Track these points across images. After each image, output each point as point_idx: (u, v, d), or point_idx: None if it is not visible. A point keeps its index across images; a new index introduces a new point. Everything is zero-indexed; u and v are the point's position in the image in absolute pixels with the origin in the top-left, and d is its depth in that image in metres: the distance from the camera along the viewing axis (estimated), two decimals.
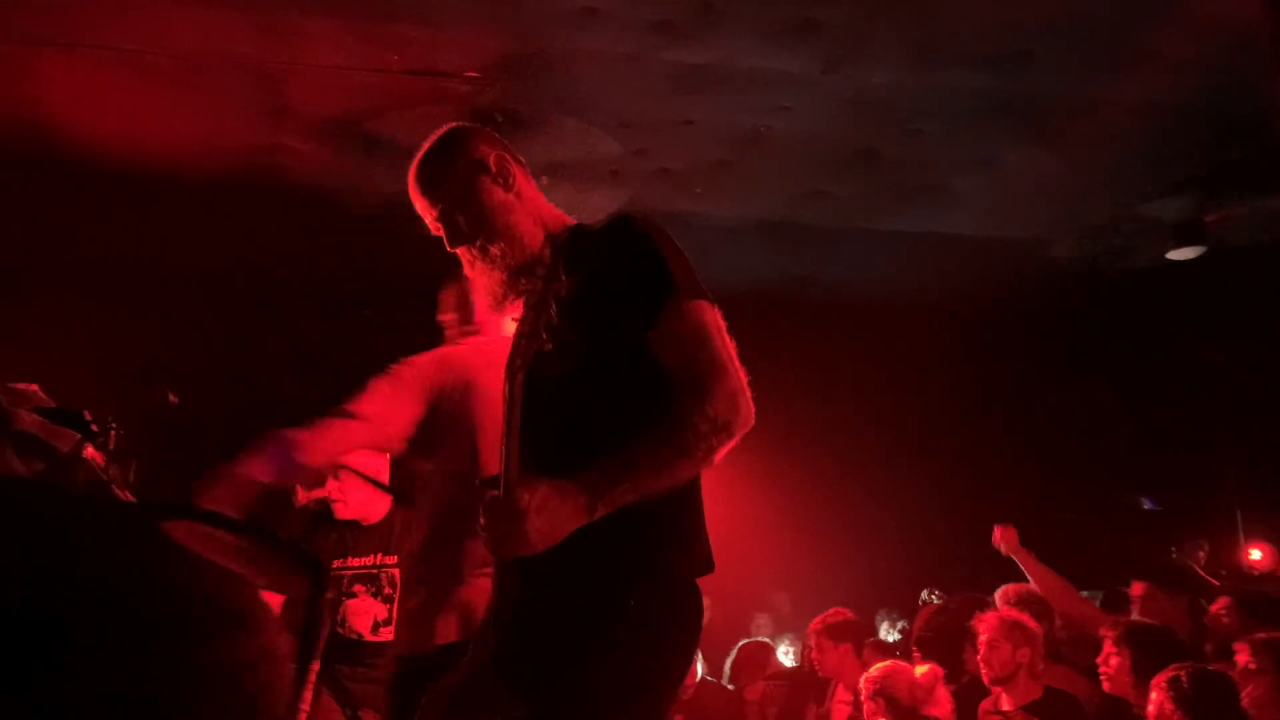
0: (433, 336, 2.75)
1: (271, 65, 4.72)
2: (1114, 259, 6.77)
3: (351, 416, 2.42)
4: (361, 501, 3.89)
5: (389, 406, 2.50)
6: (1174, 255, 6.36)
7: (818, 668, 5.32)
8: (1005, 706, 4.23)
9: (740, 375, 1.85)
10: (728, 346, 1.88)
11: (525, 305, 2.07)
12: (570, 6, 4.28)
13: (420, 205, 2.12)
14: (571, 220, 2.13)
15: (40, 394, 2.40)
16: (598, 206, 5.83)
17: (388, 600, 3.87)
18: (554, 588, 1.81)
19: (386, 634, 3.74)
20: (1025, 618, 4.28)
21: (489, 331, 2.80)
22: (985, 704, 4.32)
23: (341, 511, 3.90)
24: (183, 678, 0.53)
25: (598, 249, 1.96)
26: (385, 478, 3.77)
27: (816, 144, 5.41)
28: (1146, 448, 7.01)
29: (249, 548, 1.82)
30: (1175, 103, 5.06)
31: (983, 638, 4.21)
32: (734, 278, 6.95)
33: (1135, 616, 4.56)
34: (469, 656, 1.96)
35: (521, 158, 2.18)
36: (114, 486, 2.29)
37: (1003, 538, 4.99)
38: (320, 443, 2.37)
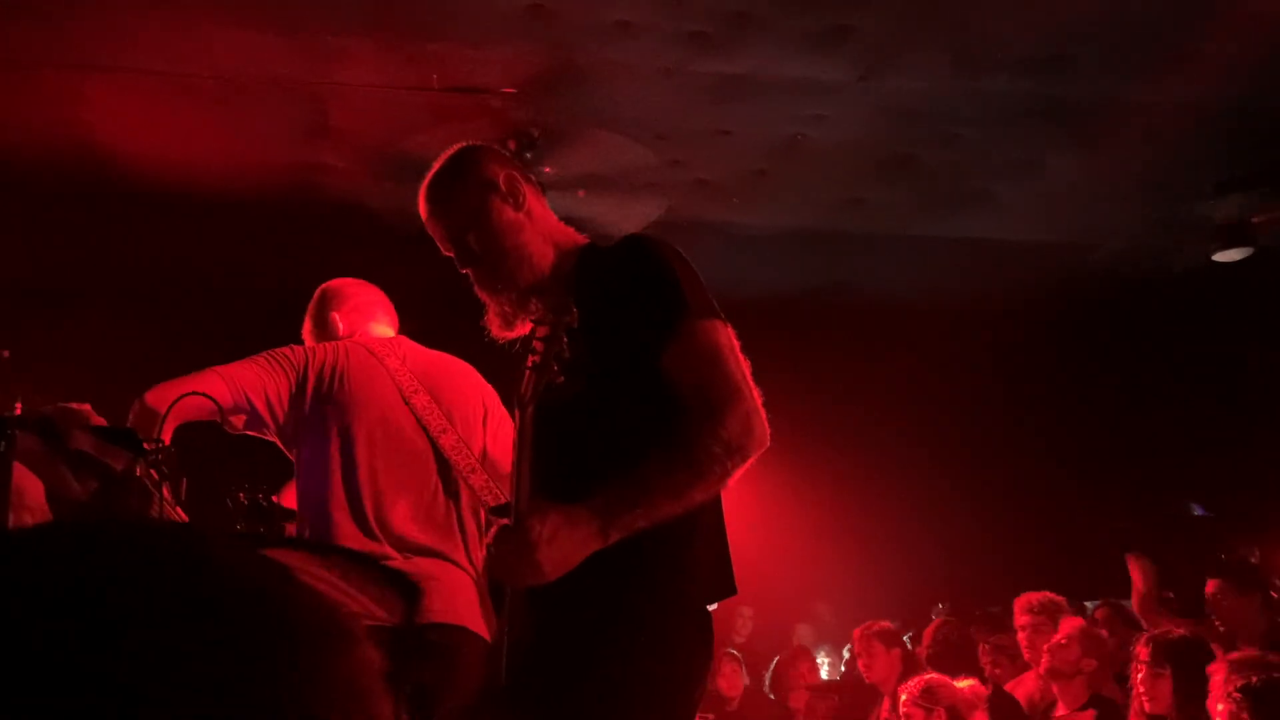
0: (470, 348, 2.76)
1: (312, 85, 4.79)
2: (1158, 262, 6.68)
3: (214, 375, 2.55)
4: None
5: (252, 373, 2.61)
6: (1220, 257, 6.26)
7: (865, 673, 5.30)
8: (1059, 711, 4.28)
9: (754, 395, 1.81)
10: (741, 366, 1.84)
11: (533, 332, 2.04)
12: (605, 20, 4.31)
13: (431, 225, 2.10)
14: (583, 239, 2.11)
15: (92, 413, 2.44)
16: (636, 219, 5.84)
17: None
18: (564, 615, 1.79)
19: None
20: (1106, 634, 4.44)
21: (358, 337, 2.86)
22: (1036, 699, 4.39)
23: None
24: (312, 688, 0.55)
25: (608, 271, 1.93)
26: None
27: (854, 151, 5.39)
28: (1194, 452, 6.90)
29: (345, 570, 1.88)
30: (1219, 102, 4.99)
31: (1061, 633, 4.35)
32: (772, 286, 7.01)
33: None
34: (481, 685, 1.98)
35: (533, 176, 2.16)
36: (167, 504, 2.33)
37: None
38: (167, 393, 2.50)
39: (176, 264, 6.23)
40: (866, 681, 5.34)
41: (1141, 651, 3.80)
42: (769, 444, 1.80)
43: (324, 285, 3.06)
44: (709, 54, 4.53)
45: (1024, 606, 4.76)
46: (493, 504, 2.47)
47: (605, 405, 1.85)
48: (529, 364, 1.84)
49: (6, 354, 2.58)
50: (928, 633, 5.21)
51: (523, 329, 2.03)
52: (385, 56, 4.55)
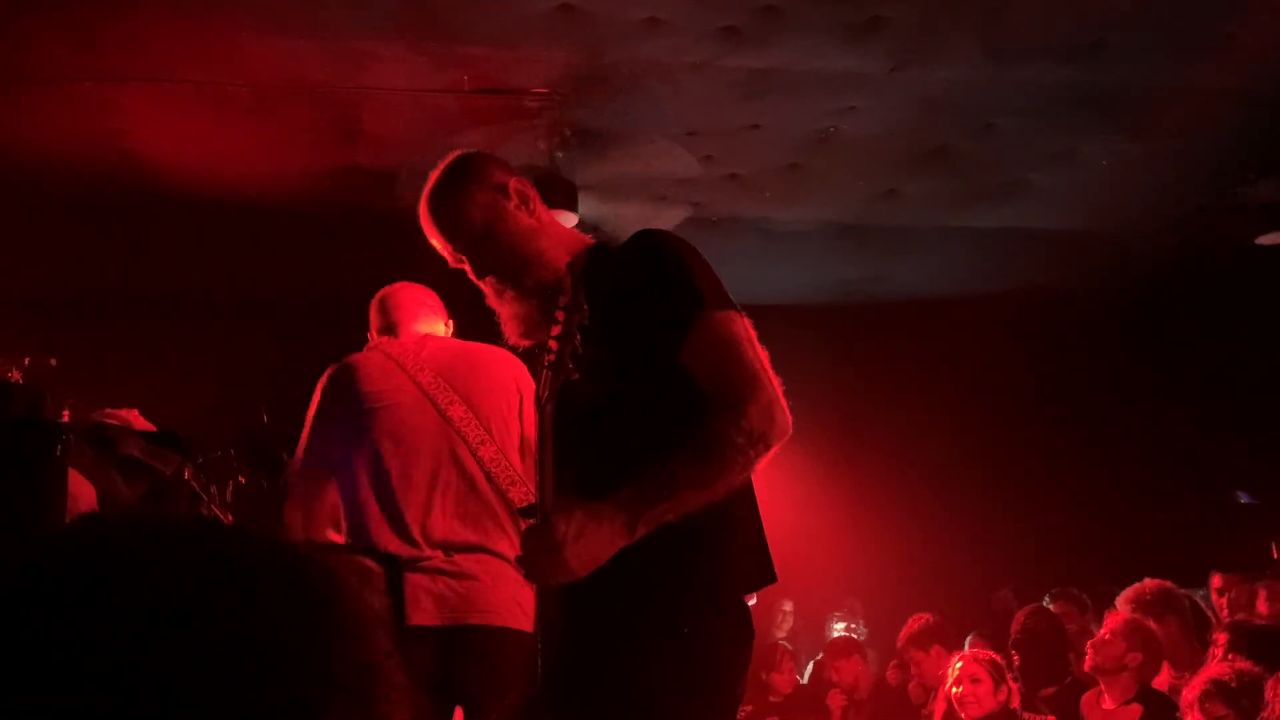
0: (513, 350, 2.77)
1: (344, 90, 4.82)
2: (1200, 248, 6.58)
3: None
4: None
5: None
6: (1264, 240, 6.16)
7: (918, 680, 5.25)
8: (1106, 705, 4.23)
9: (774, 385, 1.81)
10: (760, 356, 1.84)
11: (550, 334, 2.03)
12: (635, 17, 4.30)
13: (439, 237, 2.04)
14: (590, 240, 2.09)
15: (139, 417, 2.48)
16: (669, 215, 5.84)
17: None
18: (597, 612, 1.78)
19: None
20: (1156, 627, 4.29)
21: (404, 335, 2.90)
22: (1087, 696, 4.31)
23: None
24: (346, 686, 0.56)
25: (621, 268, 1.92)
26: None
27: (887, 143, 5.35)
28: (1241, 440, 6.79)
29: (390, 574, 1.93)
30: (1258, 85, 4.91)
31: (1105, 628, 4.26)
32: (806, 280, 6.99)
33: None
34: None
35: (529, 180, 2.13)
36: (213, 506, 2.35)
37: None
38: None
39: (214, 270, 6.30)
40: (922, 683, 5.26)
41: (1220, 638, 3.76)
42: (790, 432, 1.80)
43: (379, 292, 3.11)
44: (739, 48, 4.51)
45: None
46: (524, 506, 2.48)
47: (625, 401, 1.84)
48: (545, 363, 1.83)
49: (54, 362, 2.62)
50: (1016, 620, 5.11)
51: (543, 334, 2.00)
52: (416, 60, 4.57)
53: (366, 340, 2.99)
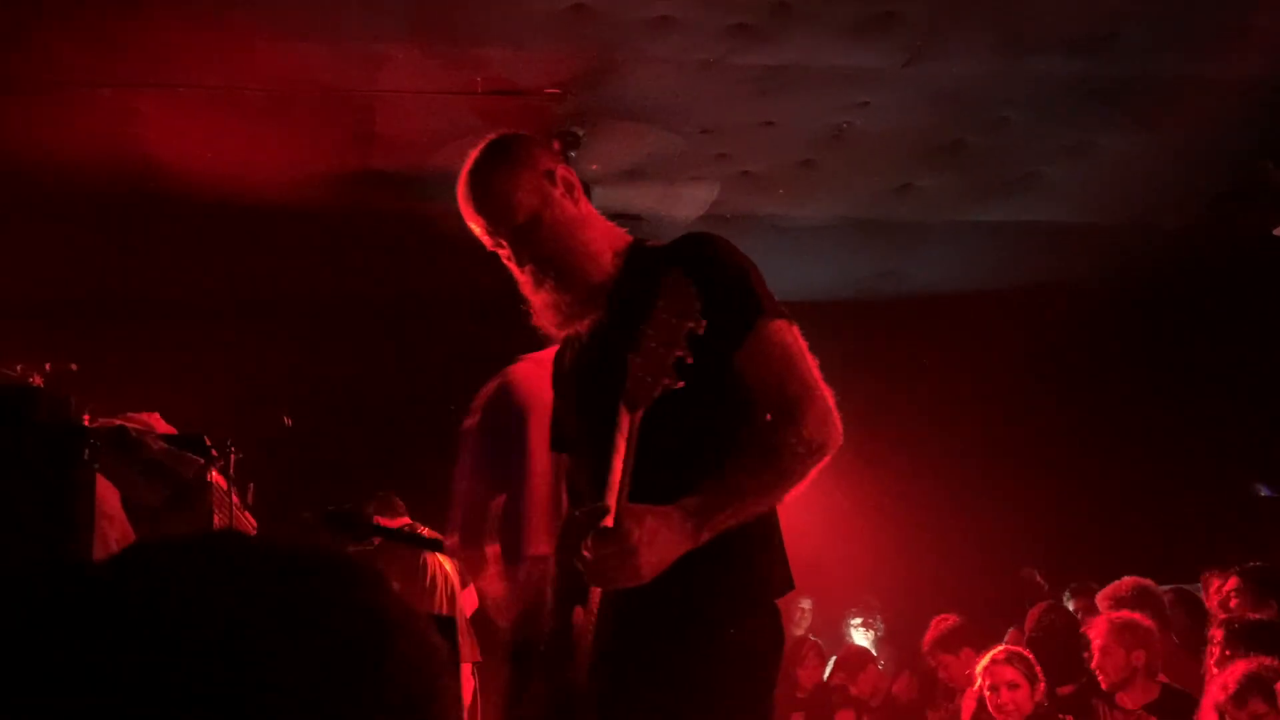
0: (513, 349, 2.77)
1: (358, 93, 4.84)
2: (1217, 239, 6.53)
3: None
4: None
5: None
6: None
7: (947, 683, 5.22)
8: (1127, 705, 4.15)
9: (827, 395, 1.86)
10: (813, 367, 1.88)
11: (587, 330, 1.98)
12: (646, 16, 4.30)
13: (479, 222, 1.95)
14: (629, 236, 2.05)
15: (161, 421, 2.50)
16: (683, 214, 5.84)
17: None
18: (651, 616, 1.79)
19: None
20: (1138, 617, 4.16)
21: None
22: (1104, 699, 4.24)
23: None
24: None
25: (675, 271, 1.84)
26: None
27: (900, 138, 5.34)
28: (1262, 432, 6.75)
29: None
30: (1273, 74, 4.87)
31: (1096, 643, 4.10)
32: (821, 277, 6.97)
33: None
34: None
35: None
36: (236, 509, 2.37)
37: None
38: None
39: (232, 274, 6.34)
40: (947, 684, 5.23)
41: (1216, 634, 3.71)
42: (842, 441, 1.86)
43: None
44: (751, 46, 4.51)
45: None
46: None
47: (685, 406, 1.80)
48: (635, 366, 1.74)
49: (75, 367, 2.65)
50: (1030, 617, 5.06)
51: (580, 326, 1.98)
52: (428, 62, 4.59)
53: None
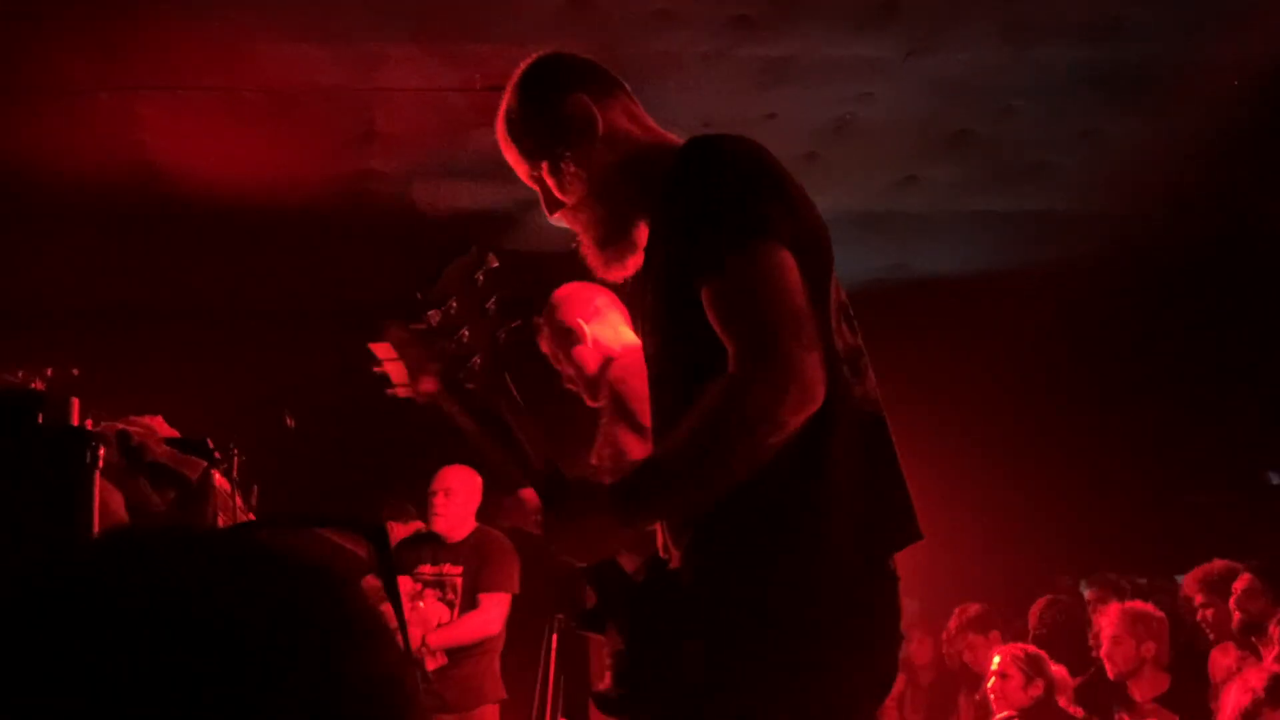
0: (529, 348, 2.75)
1: (358, 92, 4.83)
2: (1227, 226, 6.50)
3: None
4: (450, 522, 4.59)
5: None
6: None
7: (971, 665, 5.20)
8: (1135, 698, 4.13)
9: (796, 343, 1.49)
10: (783, 304, 1.51)
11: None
12: (645, 10, 4.29)
13: (512, 158, 1.83)
14: (677, 141, 1.77)
15: (164, 424, 2.49)
16: None
17: (450, 605, 4.52)
18: (684, 607, 1.60)
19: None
20: (1149, 608, 4.15)
21: None
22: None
23: (438, 525, 4.62)
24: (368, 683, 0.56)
25: (667, 198, 1.66)
26: (478, 496, 4.63)
27: (905, 129, 5.31)
28: (1271, 421, 6.72)
29: None
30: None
31: (1106, 632, 4.09)
32: None
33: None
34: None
35: (609, 77, 1.86)
36: (241, 512, 2.36)
37: None
38: None
39: (234, 276, 6.33)
40: (973, 669, 5.21)
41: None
42: (817, 400, 1.50)
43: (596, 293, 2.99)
44: (752, 38, 4.49)
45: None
46: None
47: (671, 360, 1.65)
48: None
49: (76, 372, 2.63)
50: (1032, 613, 5.04)
51: (633, 267, 1.79)
52: (427, 59, 4.58)
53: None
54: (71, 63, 4.46)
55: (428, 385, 1.71)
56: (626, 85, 1.87)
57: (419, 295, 1.68)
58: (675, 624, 1.60)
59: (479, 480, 4.61)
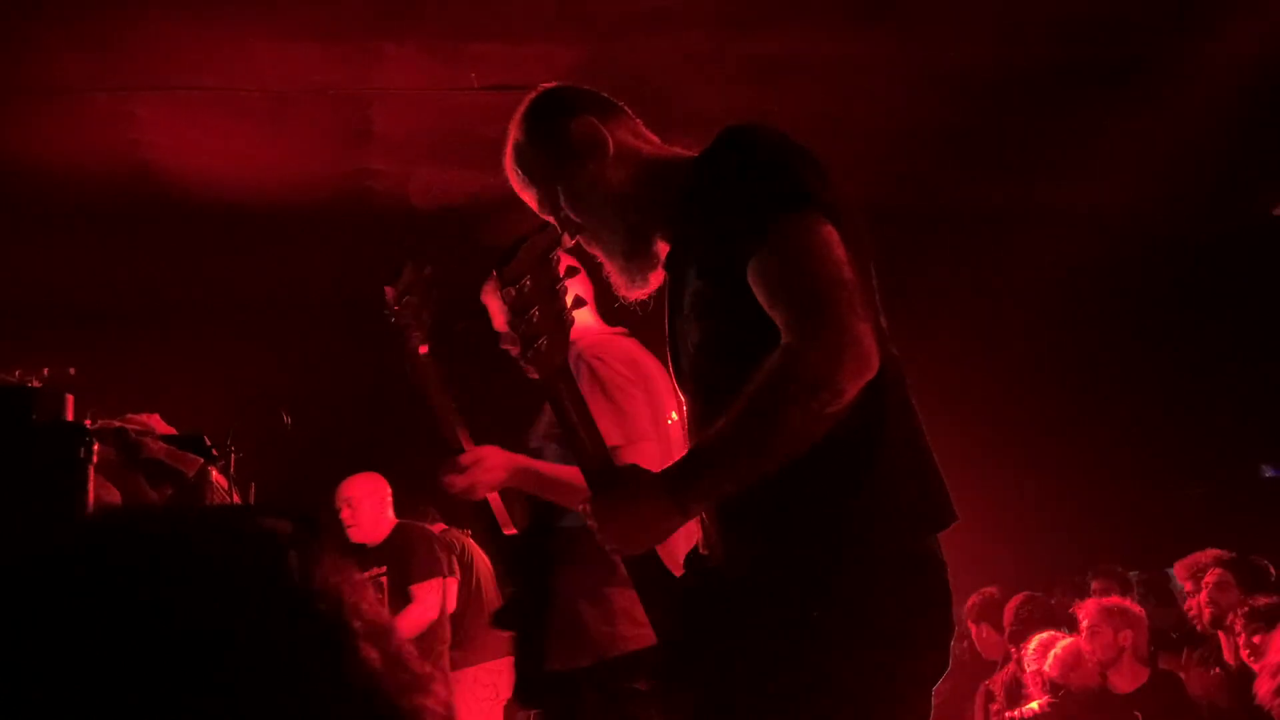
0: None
1: (355, 92, 4.84)
2: (1225, 220, 6.51)
3: None
4: (364, 530, 4.65)
5: None
6: None
7: (982, 652, 5.24)
8: (1119, 689, 4.20)
9: (850, 309, 1.46)
10: (832, 273, 1.48)
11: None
12: (641, 9, 4.29)
13: (524, 188, 1.86)
14: (690, 153, 1.80)
15: (161, 422, 2.49)
16: None
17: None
18: (737, 591, 1.56)
19: None
20: (1126, 602, 4.22)
21: None
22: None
23: (355, 535, 4.65)
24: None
25: (703, 183, 1.68)
26: (385, 496, 4.71)
27: (900, 127, 5.32)
28: (1269, 413, 6.73)
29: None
30: (1277, 53, 4.85)
31: (1084, 623, 4.20)
32: None
33: None
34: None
35: (610, 102, 1.92)
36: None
37: None
38: None
39: (230, 276, 6.34)
40: (985, 657, 5.23)
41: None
42: (874, 367, 1.48)
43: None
44: (746, 35, 4.50)
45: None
46: None
47: (718, 344, 1.62)
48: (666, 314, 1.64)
49: (73, 371, 2.64)
50: (1008, 611, 5.07)
51: (656, 282, 1.79)
52: (424, 59, 4.58)
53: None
54: (67, 62, 4.46)
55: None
56: (628, 108, 1.90)
57: (495, 271, 1.61)
58: (730, 617, 1.56)
59: (380, 481, 4.74)
